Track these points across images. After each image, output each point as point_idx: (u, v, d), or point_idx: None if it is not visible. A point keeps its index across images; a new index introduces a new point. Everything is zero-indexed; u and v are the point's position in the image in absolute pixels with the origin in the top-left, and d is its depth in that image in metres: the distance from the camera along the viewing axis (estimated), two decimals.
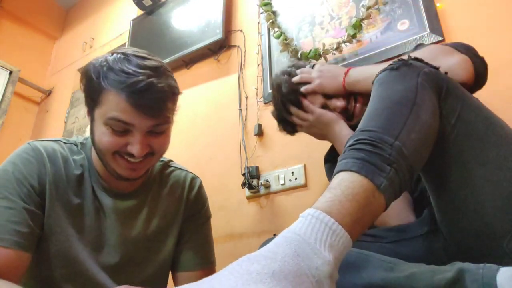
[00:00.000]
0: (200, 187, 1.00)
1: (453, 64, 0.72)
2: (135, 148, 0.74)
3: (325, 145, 1.20)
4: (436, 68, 0.65)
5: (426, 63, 0.66)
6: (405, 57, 0.67)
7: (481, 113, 0.63)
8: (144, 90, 0.72)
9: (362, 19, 1.48)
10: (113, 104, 0.72)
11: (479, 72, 0.74)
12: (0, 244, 0.67)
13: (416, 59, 0.67)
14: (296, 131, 1.13)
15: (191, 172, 1.01)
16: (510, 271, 0.46)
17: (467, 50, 0.77)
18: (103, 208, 0.83)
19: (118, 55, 0.76)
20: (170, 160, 1.01)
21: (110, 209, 0.84)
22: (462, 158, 0.60)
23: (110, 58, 0.76)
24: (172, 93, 0.78)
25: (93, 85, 0.75)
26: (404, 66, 0.63)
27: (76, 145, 0.86)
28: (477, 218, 0.58)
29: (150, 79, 0.73)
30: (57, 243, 0.77)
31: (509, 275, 0.45)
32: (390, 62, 0.67)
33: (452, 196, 0.61)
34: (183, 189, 0.96)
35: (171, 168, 0.98)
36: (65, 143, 0.85)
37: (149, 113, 0.74)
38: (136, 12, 2.55)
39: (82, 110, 2.66)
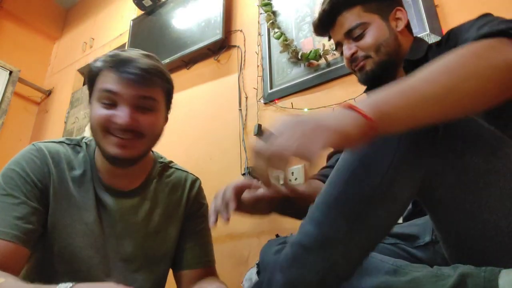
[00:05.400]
0: (200, 188, 1.02)
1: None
2: (119, 117, 0.77)
3: None
4: None
5: None
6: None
7: (479, 152, 0.54)
8: (127, 61, 0.79)
9: None
10: (103, 79, 0.81)
11: None
12: (1, 237, 0.69)
13: None
14: None
15: (191, 173, 1.03)
16: None
17: None
18: (104, 206, 0.85)
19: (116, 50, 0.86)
20: (171, 162, 1.02)
21: (111, 207, 0.86)
22: (457, 192, 0.54)
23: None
24: (160, 73, 0.83)
25: (90, 72, 0.83)
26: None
27: (80, 146, 0.89)
28: (477, 248, 0.54)
29: (136, 57, 0.81)
30: (60, 240, 0.79)
31: (511, 278, 0.45)
32: None
33: (452, 220, 0.56)
34: (184, 189, 0.98)
35: (172, 169, 1.00)
36: (68, 144, 0.88)
37: (132, 81, 0.78)
38: (136, 12, 2.55)
39: (82, 110, 2.66)
